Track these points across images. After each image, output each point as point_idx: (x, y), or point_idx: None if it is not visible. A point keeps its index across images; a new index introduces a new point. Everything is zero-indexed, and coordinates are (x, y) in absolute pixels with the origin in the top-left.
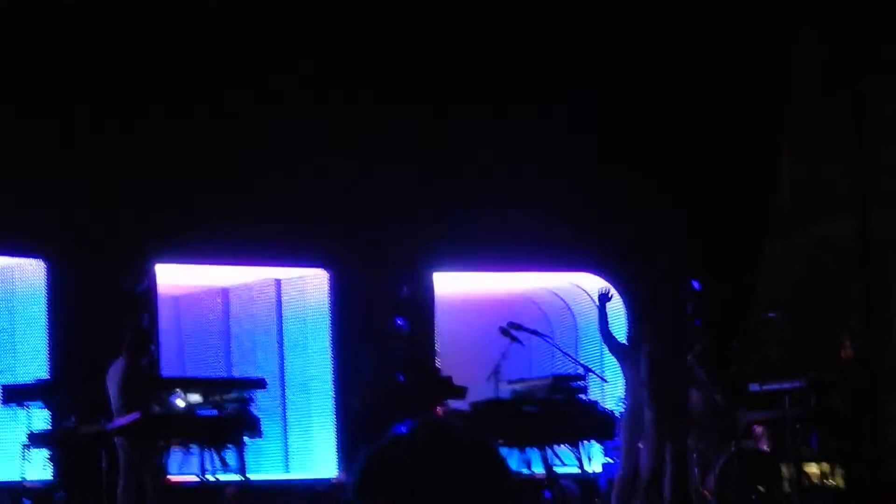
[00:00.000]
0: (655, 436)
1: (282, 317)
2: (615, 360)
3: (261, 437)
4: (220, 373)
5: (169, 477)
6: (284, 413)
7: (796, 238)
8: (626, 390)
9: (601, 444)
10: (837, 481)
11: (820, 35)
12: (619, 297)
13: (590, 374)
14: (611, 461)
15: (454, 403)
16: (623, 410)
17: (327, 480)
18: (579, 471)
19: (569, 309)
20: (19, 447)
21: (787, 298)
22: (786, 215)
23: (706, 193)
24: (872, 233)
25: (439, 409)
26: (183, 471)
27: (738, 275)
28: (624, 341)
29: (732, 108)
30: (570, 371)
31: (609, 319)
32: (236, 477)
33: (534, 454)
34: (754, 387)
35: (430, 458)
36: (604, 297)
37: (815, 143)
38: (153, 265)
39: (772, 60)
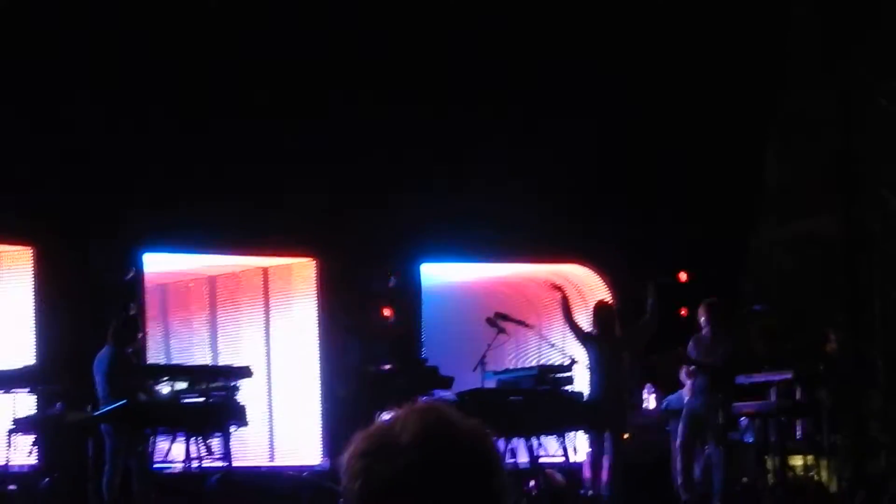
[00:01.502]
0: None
1: (268, 305)
2: (582, 346)
3: (246, 425)
4: (207, 361)
5: (154, 464)
6: (270, 401)
7: (782, 232)
8: (593, 377)
9: (586, 433)
10: (821, 474)
11: (810, 28)
12: (604, 289)
13: (576, 364)
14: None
15: (440, 393)
16: (590, 397)
17: (312, 468)
18: (564, 460)
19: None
20: (5, 433)
21: (774, 292)
22: (772, 209)
23: (694, 186)
24: (857, 227)
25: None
26: (168, 458)
27: (724, 268)
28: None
29: (719, 102)
30: (556, 362)
31: (572, 307)
32: (221, 464)
33: (519, 444)
34: (741, 379)
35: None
36: (559, 288)
37: (802, 137)
38: (141, 254)
39: (760, 55)
